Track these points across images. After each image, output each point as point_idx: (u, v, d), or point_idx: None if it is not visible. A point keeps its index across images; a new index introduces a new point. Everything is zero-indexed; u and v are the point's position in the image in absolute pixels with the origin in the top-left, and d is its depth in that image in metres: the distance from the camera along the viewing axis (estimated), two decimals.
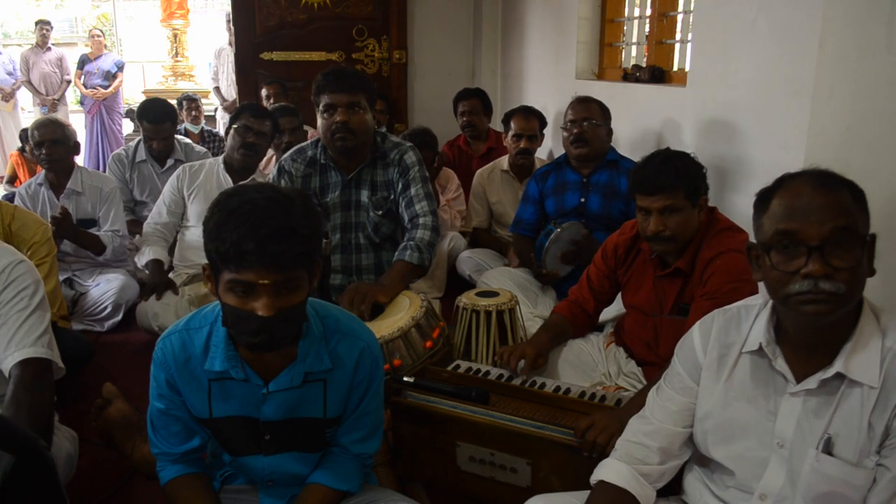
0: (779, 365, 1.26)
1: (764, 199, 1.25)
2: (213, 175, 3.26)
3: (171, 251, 3.35)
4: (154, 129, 3.86)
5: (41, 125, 3.35)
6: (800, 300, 1.17)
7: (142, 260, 3.19)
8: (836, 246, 1.15)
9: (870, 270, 1.21)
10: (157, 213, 3.30)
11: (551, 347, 2.23)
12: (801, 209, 1.18)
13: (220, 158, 3.30)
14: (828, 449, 1.22)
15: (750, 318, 1.33)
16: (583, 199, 3.01)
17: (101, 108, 7.69)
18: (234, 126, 3.20)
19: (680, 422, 1.40)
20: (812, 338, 1.23)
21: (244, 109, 3.24)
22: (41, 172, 3.44)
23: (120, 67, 7.94)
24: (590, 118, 2.94)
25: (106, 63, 7.82)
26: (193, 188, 3.26)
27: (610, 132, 3.04)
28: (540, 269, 2.94)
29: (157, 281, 3.09)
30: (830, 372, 1.21)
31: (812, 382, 1.23)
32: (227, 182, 3.20)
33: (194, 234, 3.23)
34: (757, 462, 1.29)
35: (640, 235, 2.10)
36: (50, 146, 3.27)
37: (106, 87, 7.71)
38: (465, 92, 4.40)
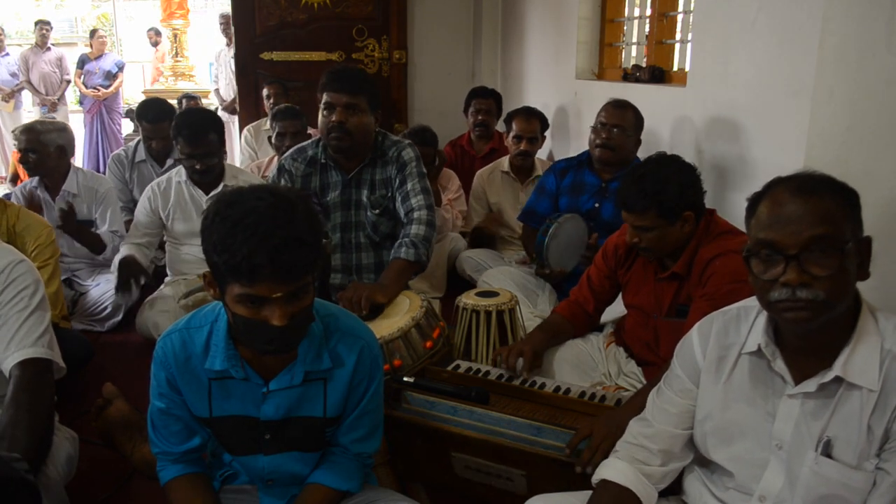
0: (777, 366, 1.26)
1: (753, 205, 1.26)
2: (182, 192, 3.17)
3: (163, 251, 3.36)
4: (153, 129, 3.85)
5: (20, 132, 3.32)
6: (780, 307, 1.18)
7: (114, 264, 3.15)
8: (814, 254, 1.15)
9: (863, 273, 1.21)
10: (132, 233, 3.23)
11: (548, 346, 2.23)
12: (780, 218, 1.18)
13: (183, 171, 3.16)
14: (827, 451, 1.21)
15: (749, 319, 1.33)
16: (597, 205, 2.96)
17: (101, 108, 7.69)
18: (178, 149, 3.06)
19: (680, 424, 1.40)
20: (806, 341, 1.23)
21: (179, 133, 2.98)
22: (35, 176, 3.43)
23: (120, 67, 7.96)
24: (621, 125, 2.87)
25: (106, 63, 7.83)
26: (168, 209, 3.18)
27: (639, 142, 2.97)
28: (543, 270, 2.91)
29: (128, 272, 3.06)
30: (829, 376, 1.20)
31: (811, 385, 1.22)
32: (199, 195, 3.14)
33: (184, 250, 3.21)
34: (756, 463, 1.29)
35: None
36: (22, 154, 3.27)
37: (106, 87, 7.72)
38: (482, 90, 4.37)
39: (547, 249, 2.83)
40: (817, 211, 1.16)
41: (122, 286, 3.09)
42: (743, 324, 1.34)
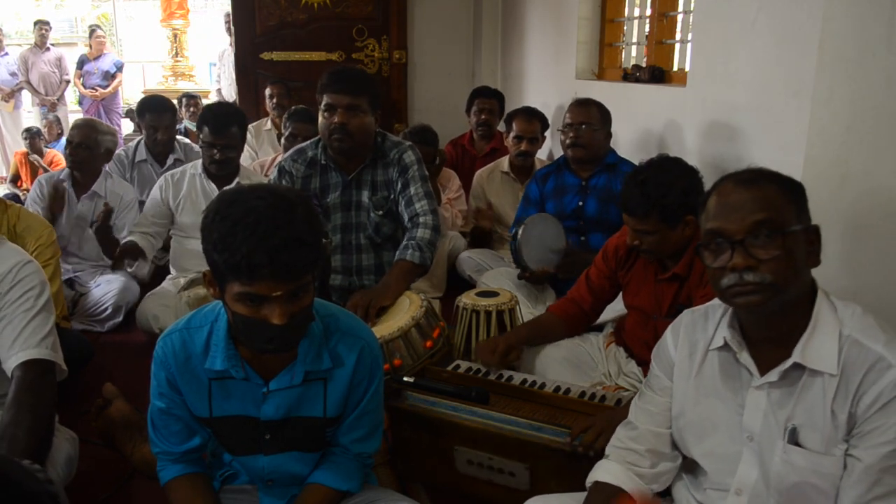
0: (743, 358, 1.29)
1: (703, 202, 1.30)
2: (195, 184, 3.21)
3: (166, 252, 3.39)
4: (157, 118, 3.91)
5: (75, 126, 3.46)
6: (730, 293, 1.23)
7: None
8: (758, 239, 1.20)
9: (813, 261, 1.25)
10: (140, 223, 3.26)
11: (531, 343, 2.25)
12: (726, 207, 1.24)
13: (199, 165, 3.22)
14: (794, 439, 1.23)
15: (716, 316, 1.36)
16: (581, 203, 3.01)
17: (100, 109, 7.69)
18: (200, 137, 3.13)
19: (663, 423, 1.42)
20: (766, 330, 1.26)
21: (205, 121, 3.09)
22: (63, 168, 3.50)
23: (119, 68, 7.96)
24: (587, 122, 2.93)
25: (105, 63, 7.83)
26: (179, 199, 3.22)
27: (609, 135, 3.01)
28: (525, 273, 2.91)
29: (123, 251, 3.08)
30: (788, 363, 1.23)
31: (773, 375, 1.25)
32: (212, 189, 3.16)
33: (189, 244, 3.21)
34: (729, 457, 1.31)
35: None
36: (74, 148, 3.35)
37: (105, 88, 7.71)
38: (485, 90, 4.38)
39: (520, 252, 2.85)
40: (759, 198, 1.22)
41: (115, 264, 3.16)
42: (710, 321, 1.37)
